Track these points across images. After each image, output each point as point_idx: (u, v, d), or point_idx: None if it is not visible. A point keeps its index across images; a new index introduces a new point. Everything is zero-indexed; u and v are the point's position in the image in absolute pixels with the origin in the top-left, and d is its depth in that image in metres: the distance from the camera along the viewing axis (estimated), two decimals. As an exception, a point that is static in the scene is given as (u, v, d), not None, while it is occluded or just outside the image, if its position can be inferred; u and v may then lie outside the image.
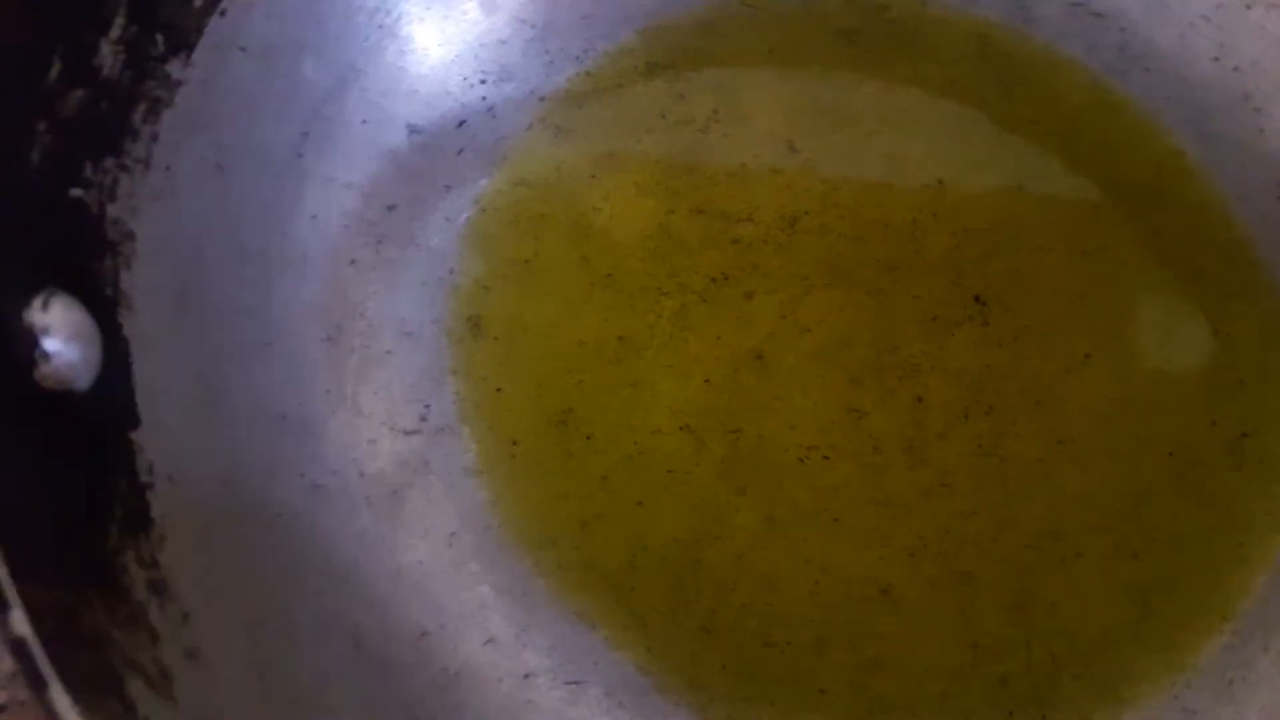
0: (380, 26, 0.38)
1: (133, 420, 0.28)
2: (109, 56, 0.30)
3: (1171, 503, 0.35)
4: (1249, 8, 0.38)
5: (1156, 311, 0.37)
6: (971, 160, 0.40)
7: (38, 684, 0.20)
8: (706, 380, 0.36)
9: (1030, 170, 0.40)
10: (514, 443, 0.35)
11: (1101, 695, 0.33)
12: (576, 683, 0.32)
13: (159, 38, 0.31)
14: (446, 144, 0.39)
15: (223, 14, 0.33)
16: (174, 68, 0.32)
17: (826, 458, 0.35)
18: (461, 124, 0.39)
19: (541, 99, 0.40)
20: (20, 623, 0.20)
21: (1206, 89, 0.40)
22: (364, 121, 0.38)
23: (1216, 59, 0.40)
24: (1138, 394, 0.36)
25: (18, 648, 0.20)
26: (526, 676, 0.32)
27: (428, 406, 0.35)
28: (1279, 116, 0.39)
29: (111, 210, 0.29)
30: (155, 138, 0.31)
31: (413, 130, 0.38)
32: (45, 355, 0.24)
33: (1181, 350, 0.37)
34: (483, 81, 0.40)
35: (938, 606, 0.33)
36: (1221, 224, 0.38)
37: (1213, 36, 0.40)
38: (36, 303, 0.25)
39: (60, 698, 0.20)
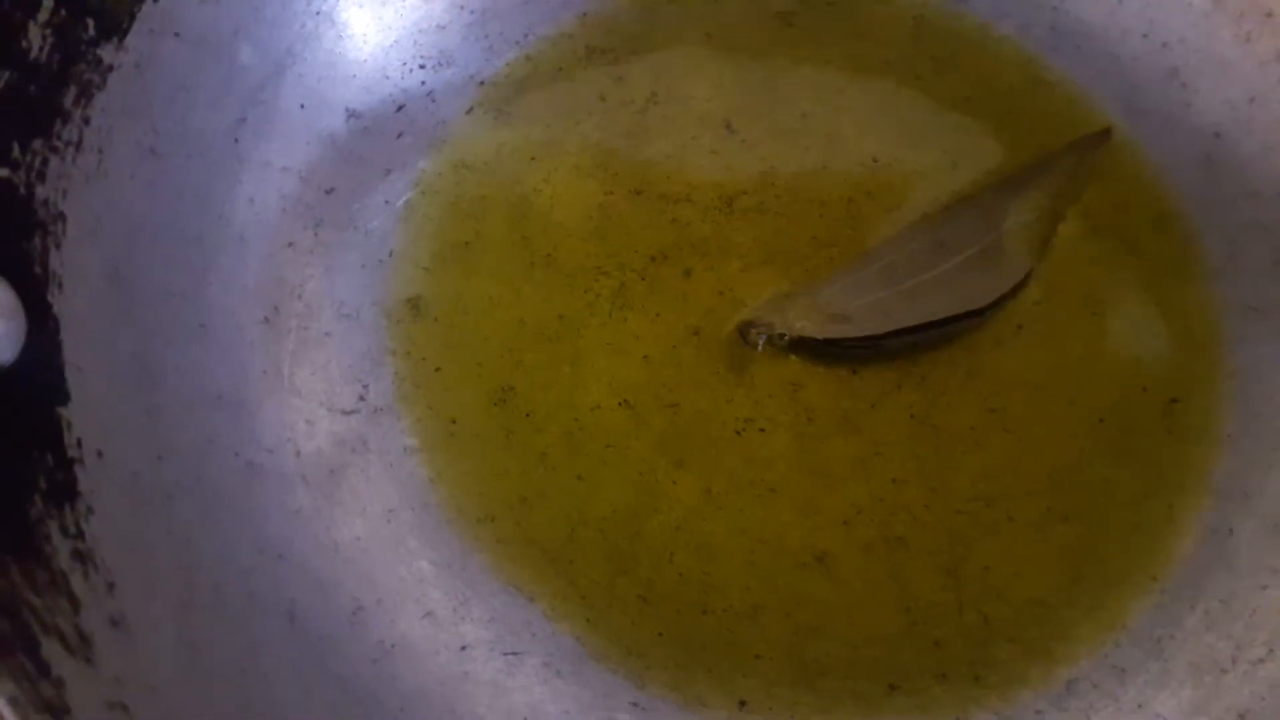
0: (318, 13, 0.38)
1: (61, 396, 0.28)
2: (37, 39, 0.30)
3: (1102, 468, 0.35)
4: (1176, -16, 0.39)
5: (1087, 283, 0.38)
6: (907, 139, 0.40)
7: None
8: (645, 357, 0.36)
9: (965, 147, 0.40)
10: (453, 421, 0.36)
11: (1035, 656, 0.33)
12: (514, 654, 0.33)
13: (89, 22, 0.32)
14: (385, 128, 0.39)
15: (156, 0, 0.33)
16: (106, 52, 0.32)
17: (763, 430, 0.36)
18: (401, 108, 0.40)
19: (481, 83, 0.41)
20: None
21: (1136, 65, 0.41)
22: (302, 106, 0.38)
23: (1145, 35, 0.41)
24: (1068, 363, 0.37)
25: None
26: (464, 648, 0.33)
27: (366, 387, 0.36)
28: (1206, 91, 0.40)
29: (40, 191, 0.29)
30: (87, 121, 0.31)
31: (351, 115, 0.39)
32: (-36, 327, 0.25)
33: (1112, 319, 0.37)
34: (422, 66, 0.40)
35: (872, 573, 0.34)
36: (1151, 196, 0.39)
37: (1142, 14, 0.41)
38: (-44, 276, 0.25)
39: (-34, 653, 0.20)
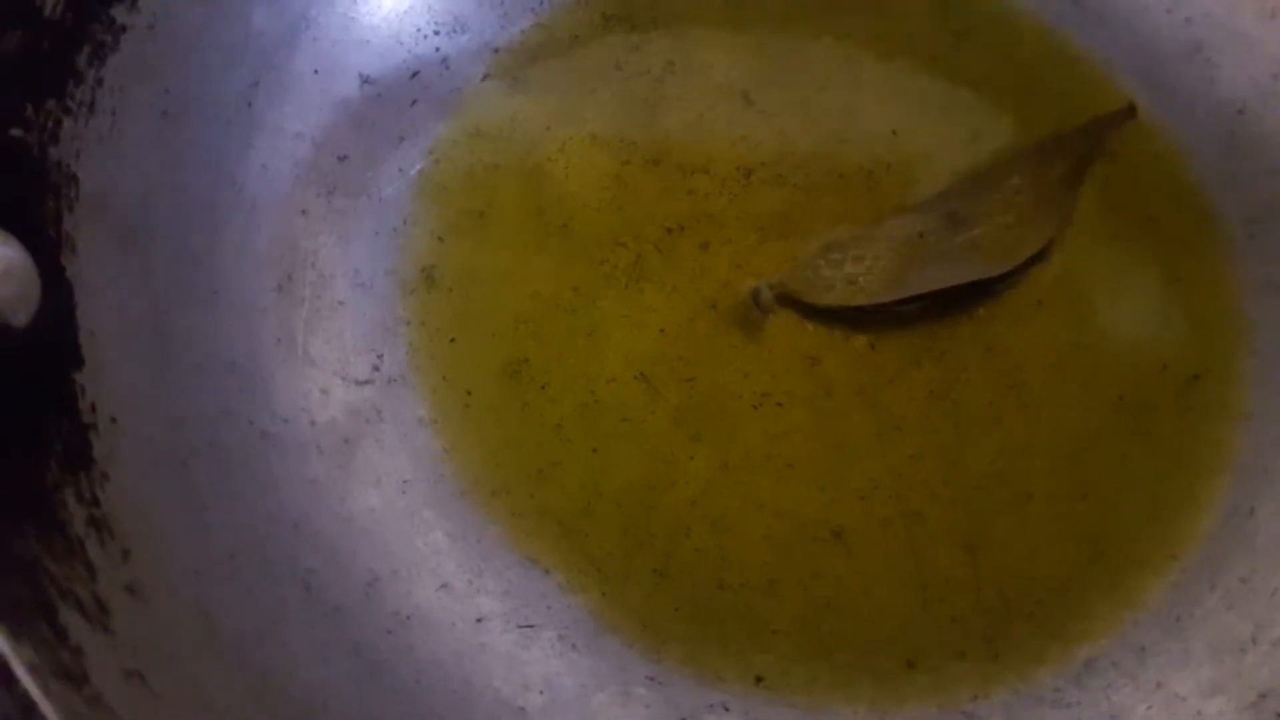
0: (332, -24, 0.38)
1: (76, 361, 0.27)
2: (51, -2, 0.29)
3: (1121, 446, 0.35)
4: (1201, -42, 0.39)
5: (1107, 259, 0.38)
6: (926, 112, 0.40)
7: (-37, 605, 0.20)
8: (661, 330, 0.36)
9: (984, 122, 0.40)
10: (468, 393, 0.35)
11: (1052, 634, 0.33)
12: (530, 626, 0.32)
13: (103, -19, 0.31)
14: (399, 95, 0.39)
15: (170, -41, 0.33)
16: (119, 12, 0.32)
17: (780, 404, 0.35)
18: (415, 75, 0.39)
19: (496, 50, 0.40)
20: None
21: (1159, 40, 0.40)
22: (316, 71, 0.37)
23: (1169, 10, 0.40)
24: (1088, 340, 0.36)
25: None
26: (479, 621, 0.32)
27: (380, 356, 0.35)
28: (1228, 67, 0.39)
29: (54, 152, 0.29)
30: (100, 82, 0.31)
31: (365, 80, 0.38)
32: (-22, 288, 0.24)
33: (1132, 296, 0.37)
34: (436, 32, 0.40)
35: (889, 548, 0.34)
36: (1172, 173, 0.39)
37: (1165, -12, 0.40)
38: (-30, 237, 0.24)
39: (-14, 622, 0.20)
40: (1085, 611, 0.33)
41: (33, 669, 0.20)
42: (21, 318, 0.25)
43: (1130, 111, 0.38)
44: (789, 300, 0.36)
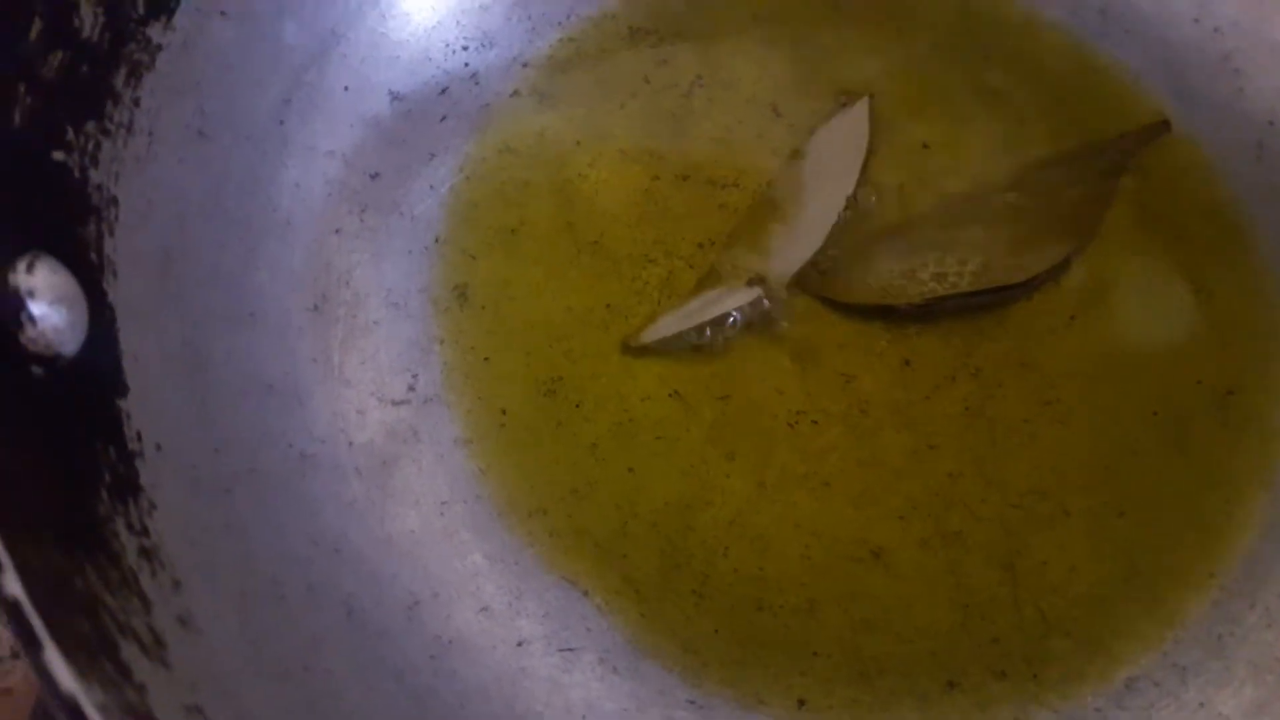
0: (361, -9, 0.38)
1: (120, 388, 0.27)
2: (89, 17, 0.29)
3: (1158, 461, 0.35)
4: (1229, -31, 0.39)
5: (1139, 273, 0.37)
6: (956, 124, 0.40)
7: (33, 647, 0.20)
8: (695, 347, 0.36)
9: (1014, 134, 0.40)
10: (503, 412, 0.35)
11: (1092, 652, 0.33)
12: (570, 649, 0.32)
13: (139, 0, 0.31)
14: (429, 111, 0.38)
15: (203, -23, 0.33)
16: (154, 31, 0.31)
17: (815, 422, 0.35)
18: (444, 91, 0.39)
19: (524, 65, 0.40)
20: (13, 584, 0.20)
21: (1187, 50, 0.40)
22: (346, 88, 0.37)
23: (1197, 20, 0.40)
24: (1122, 354, 0.36)
25: (13, 610, 0.20)
26: (520, 644, 0.32)
27: (415, 376, 0.35)
28: (1258, 77, 0.39)
29: (94, 175, 0.29)
30: (137, 102, 0.31)
31: (395, 97, 0.38)
32: (31, 318, 0.24)
33: (1165, 310, 0.37)
34: (465, 48, 0.40)
35: (928, 567, 0.34)
36: (1202, 185, 0.39)
37: (1193, -2, 0.40)
38: (21, 265, 0.24)
39: (55, 660, 0.19)
40: (1125, 630, 0.33)
41: (103, 710, 0.19)
42: (71, 346, 0.25)
43: (1164, 126, 0.38)
44: (821, 298, 0.36)
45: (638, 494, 0.34)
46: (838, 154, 0.38)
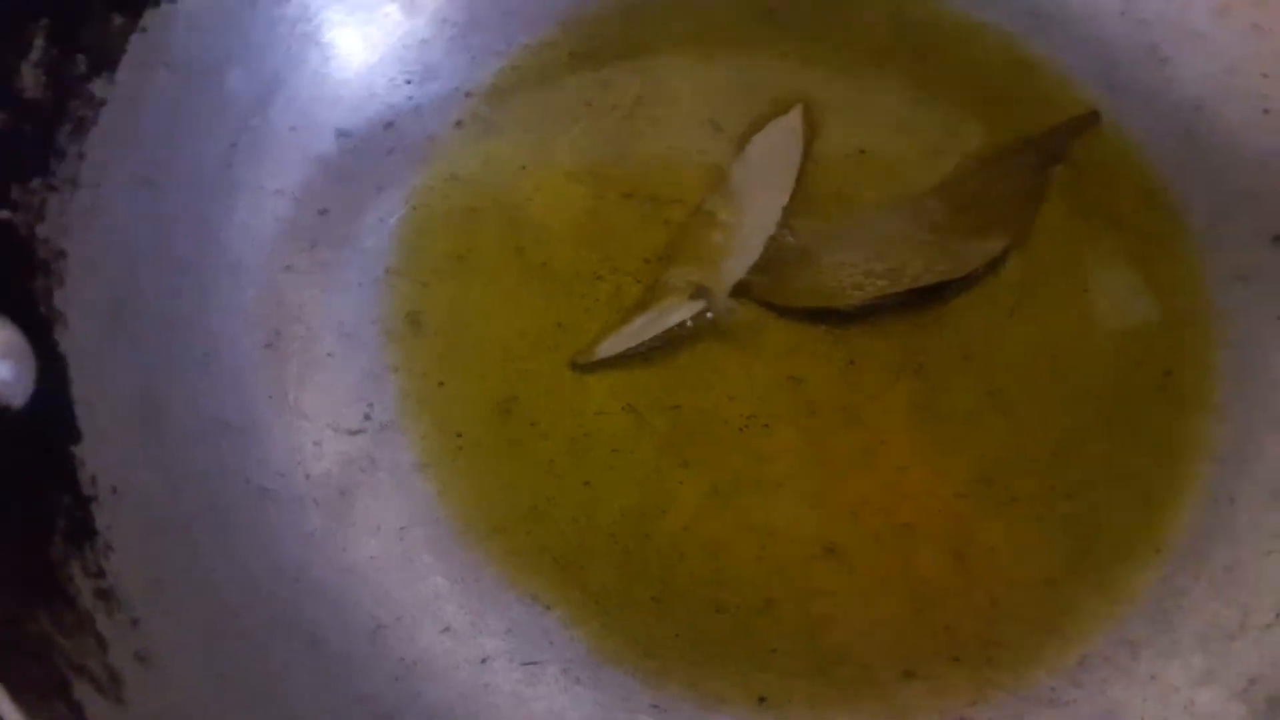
0: (302, 35, 0.39)
1: (73, 435, 0.28)
2: (30, 78, 0.30)
3: (1101, 444, 0.36)
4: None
5: (1075, 262, 0.38)
6: (893, 129, 0.41)
7: (-20, 690, 0.20)
8: (645, 359, 0.37)
9: (951, 133, 0.40)
10: (459, 435, 0.36)
11: (1045, 633, 0.34)
12: (533, 663, 0.33)
13: (80, 58, 0.32)
14: (375, 145, 0.39)
15: (143, 31, 0.34)
16: (97, 86, 0.32)
17: (766, 425, 0.36)
18: (389, 125, 0.40)
19: (467, 95, 0.41)
20: (-38, 633, 0.21)
21: (1115, 43, 0.41)
22: (292, 129, 0.38)
23: (1123, 13, 0.41)
24: (1062, 342, 0.37)
25: (-39, 656, 0.20)
26: (484, 661, 0.33)
27: (371, 405, 0.36)
28: (1185, 66, 0.40)
29: (41, 230, 0.30)
30: (82, 156, 0.32)
31: (341, 134, 0.39)
32: (-23, 375, 0.25)
33: (1103, 296, 0.38)
34: (408, 82, 0.40)
35: (880, 560, 0.34)
36: (1135, 172, 0.39)
37: (1119, -10, 0.41)
38: (-34, 324, 0.25)
39: (3, 702, 0.20)
40: (1075, 609, 0.34)
41: (52, 748, 0.20)
42: (19, 399, 0.26)
43: (1094, 118, 0.39)
44: (765, 303, 0.37)
45: (595, 507, 0.35)
46: (772, 163, 0.39)
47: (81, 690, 0.23)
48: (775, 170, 0.39)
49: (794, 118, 0.39)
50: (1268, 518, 0.34)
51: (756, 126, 0.40)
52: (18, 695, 0.20)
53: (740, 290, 0.37)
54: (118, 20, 0.33)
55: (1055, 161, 0.39)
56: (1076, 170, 0.39)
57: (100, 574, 0.26)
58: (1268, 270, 0.37)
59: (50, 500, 0.26)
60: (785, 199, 0.38)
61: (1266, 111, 0.38)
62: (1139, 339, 0.37)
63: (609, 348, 0.36)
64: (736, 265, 0.37)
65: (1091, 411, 0.36)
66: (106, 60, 0.33)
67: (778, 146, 0.39)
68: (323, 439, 0.35)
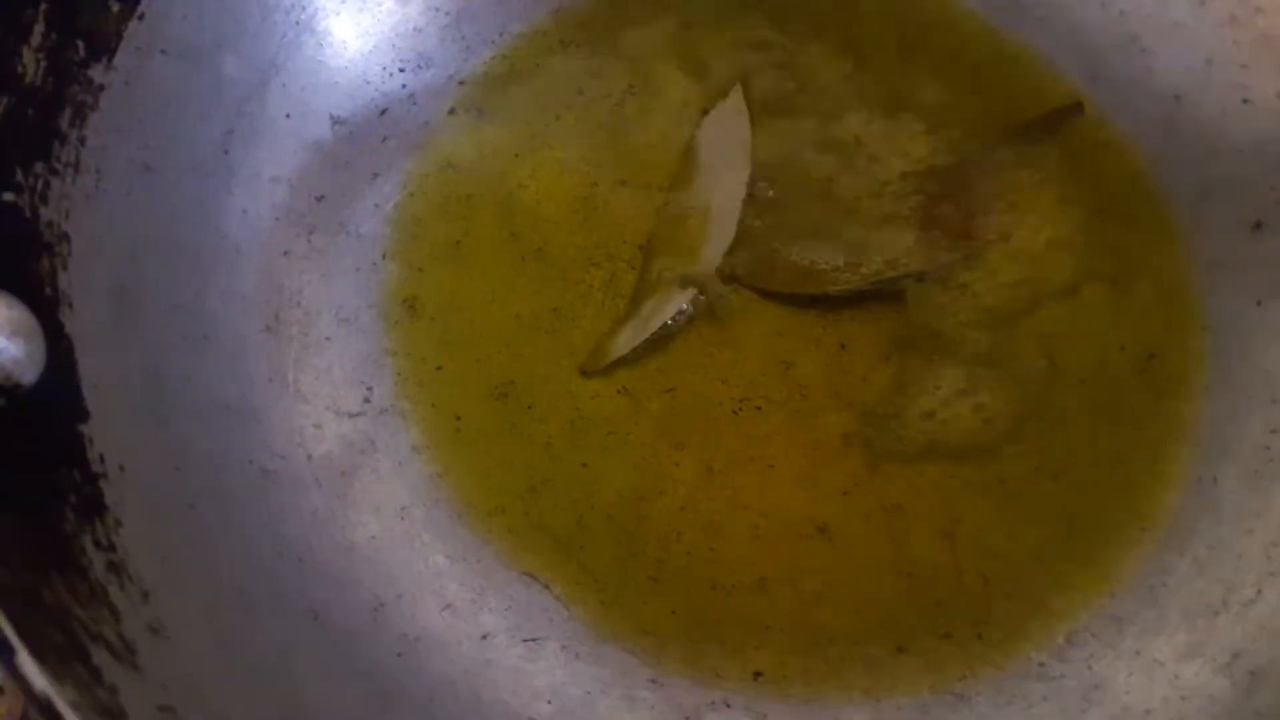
0: (297, 22, 0.39)
1: (81, 414, 0.28)
2: (31, 64, 0.30)
3: (1087, 425, 0.37)
4: (1129, -48, 0.40)
5: (1062, 247, 0.39)
6: (879, 116, 0.41)
7: (6, 652, 0.21)
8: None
9: (937, 124, 0.41)
10: (457, 418, 0.36)
11: (1033, 610, 0.34)
12: (533, 639, 0.34)
13: (79, 43, 0.32)
14: (370, 133, 0.40)
15: (141, 18, 0.34)
16: (96, 72, 0.33)
17: (758, 408, 0.37)
18: (384, 112, 0.40)
19: (461, 83, 0.41)
20: (-14, 599, 0.21)
21: (1096, 34, 0.42)
22: (287, 116, 0.38)
23: (1103, 4, 0.42)
24: (1049, 327, 0.38)
25: (-13, 621, 0.21)
26: (484, 637, 0.33)
27: (370, 389, 0.36)
28: (1164, 56, 0.41)
29: (45, 213, 0.30)
30: (83, 141, 0.32)
31: (336, 121, 0.39)
32: (-11, 351, 0.25)
33: (1087, 283, 0.38)
34: (401, 70, 0.41)
35: (872, 540, 0.35)
36: (1118, 160, 0.40)
37: (1098, -18, 0.42)
38: (-23, 302, 0.25)
39: (27, 663, 0.21)
40: (1063, 587, 0.35)
41: (75, 707, 0.21)
42: (30, 376, 0.26)
43: (1077, 108, 0.40)
44: (759, 290, 0.38)
45: (592, 488, 0.36)
46: (726, 144, 0.39)
47: (99, 656, 0.23)
48: (730, 151, 0.39)
49: (735, 98, 0.40)
50: (1249, 497, 0.35)
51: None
52: (41, 658, 0.21)
53: (733, 276, 0.38)
54: (115, 6, 0.33)
55: (1040, 153, 0.40)
56: (1062, 158, 0.40)
57: (111, 548, 0.26)
58: (1248, 257, 0.38)
59: (61, 475, 0.27)
60: (746, 174, 0.38)
61: (1246, 101, 0.39)
62: (1123, 324, 0.38)
63: (615, 351, 0.36)
64: (714, 248, 0.38)
65: (1077, 394, 0.37)
66: (105, 46, 0.33)
67: (726, 127, 0.40)
68: (323, 421, 0.35)
